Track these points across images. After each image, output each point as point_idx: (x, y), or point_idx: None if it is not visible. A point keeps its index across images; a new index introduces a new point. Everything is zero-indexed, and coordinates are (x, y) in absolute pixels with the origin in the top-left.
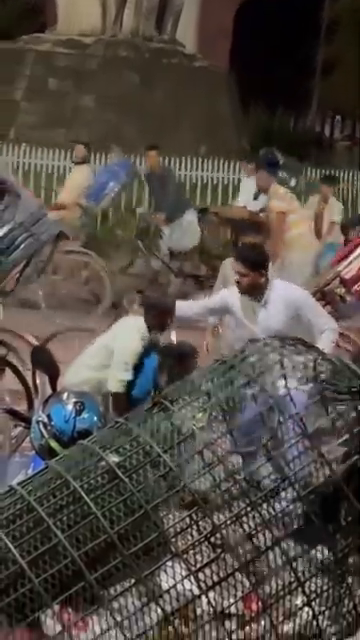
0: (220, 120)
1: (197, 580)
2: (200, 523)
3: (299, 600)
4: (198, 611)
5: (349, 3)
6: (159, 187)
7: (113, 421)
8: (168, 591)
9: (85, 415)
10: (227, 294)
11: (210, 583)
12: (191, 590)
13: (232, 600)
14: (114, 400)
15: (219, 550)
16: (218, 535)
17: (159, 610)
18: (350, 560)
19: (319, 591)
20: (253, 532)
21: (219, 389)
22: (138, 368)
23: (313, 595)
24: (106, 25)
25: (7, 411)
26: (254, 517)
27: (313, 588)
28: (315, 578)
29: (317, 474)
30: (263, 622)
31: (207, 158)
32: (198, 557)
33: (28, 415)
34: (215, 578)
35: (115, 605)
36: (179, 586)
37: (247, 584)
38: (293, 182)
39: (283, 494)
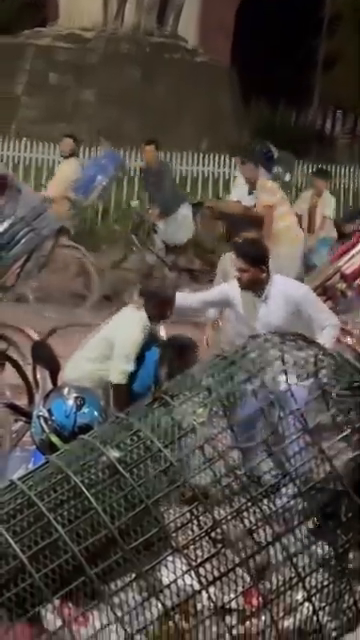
0: (221, 115)
1: (198, 575)
2: (201, 518)
3: (300, 595)
4: (199, 606)
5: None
6: (155, 182)
7: (114, 416)
8: (169, 586)
9: (86, 410)
10: (227, 288)
11: (210, 578)
12: (192, 585)
13: (232, 595)
14: (115, 393)
15: (220, 545)
16: (219, 530)
17: (159, 605)
18: (350, 556)
19: (320, 586)
20: (254, 527)
21: (220, 384)
22: (139, 360)
23: (314, 590)
24: (107, 20)
25: (8, 406)
26: (255, 512)
27: (314, 583)
28: (316, 573)
29: (318, 470)
30: (263, 617)
31: (208, 153)
32: (199, 552)
33: (29, 410)
34: (216, 573)
35: (115, 600)
36: (180, 581)
37: (248, 579)
38: (287, 177)
39: (284, 490)
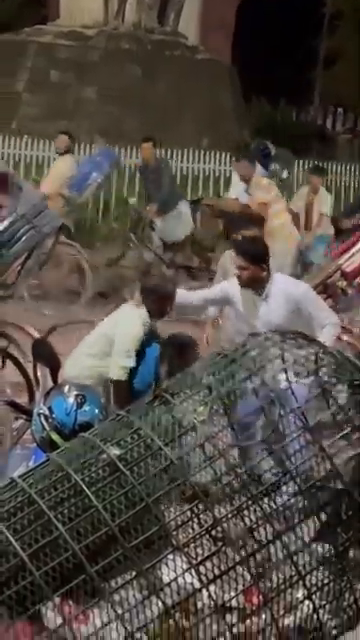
0: (222, 113)
1: (198, 573)
2: (201, 516)
3: (300, 593)
4: (199, 604)
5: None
6: (154, 179)
7: (114, 414)
8: (169, 584)
9: (86, 408)
10: (227, 285)
11: (211, 576)
12: (192, 583)
13: (233, 593)
14: (115, 389)
15: (220, 543)
16: (219, 528)
17: (160, 603)
18: (351, 554)
19: (320, 585)
20: (254, 526)
21: (220, 383)
22: (140, 357)
23: (314, 589)
24: (108, 17)
25: (8, 403)
26: (255, 511)
27: (314, 582)
28: (316, 572)
29: (318, 468)
30: (264, 615)
31: (209, 151)
32: (199, 550)
33: (29, 407)
34: (216, 571)
35: (116, 598)
36: (180, 579)
37: (248, 577)
38: (285, 174)
39: (284, 488)
